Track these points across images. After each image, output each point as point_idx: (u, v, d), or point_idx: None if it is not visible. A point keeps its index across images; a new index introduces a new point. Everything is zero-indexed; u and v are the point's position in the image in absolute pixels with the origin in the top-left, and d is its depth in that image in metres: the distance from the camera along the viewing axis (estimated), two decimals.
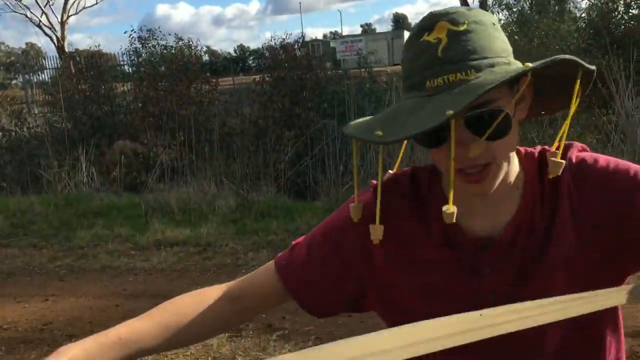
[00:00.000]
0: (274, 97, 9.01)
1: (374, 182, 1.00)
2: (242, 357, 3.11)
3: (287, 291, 1.02)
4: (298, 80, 9.15)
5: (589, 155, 0.94)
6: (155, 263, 5.20)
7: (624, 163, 0.92)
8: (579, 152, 0.95)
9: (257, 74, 10.54)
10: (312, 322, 3.62)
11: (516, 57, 0.87)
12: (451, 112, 0.75)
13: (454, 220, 0.84)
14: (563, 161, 0.88)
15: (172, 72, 9.84)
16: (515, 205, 0.93)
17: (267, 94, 9.13)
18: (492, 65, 0.81)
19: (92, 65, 10.90)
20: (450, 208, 0.84)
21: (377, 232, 0.92)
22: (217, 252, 5.41)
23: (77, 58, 12.08)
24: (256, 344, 3.27)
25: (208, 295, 1.03)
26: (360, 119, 0.91)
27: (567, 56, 0.83)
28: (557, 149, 0.90)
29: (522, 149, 0.97)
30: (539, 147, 0.98)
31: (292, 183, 7.75)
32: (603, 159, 0.93)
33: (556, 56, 0.82)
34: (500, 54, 0.84)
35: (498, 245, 0.92)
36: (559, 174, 0.87)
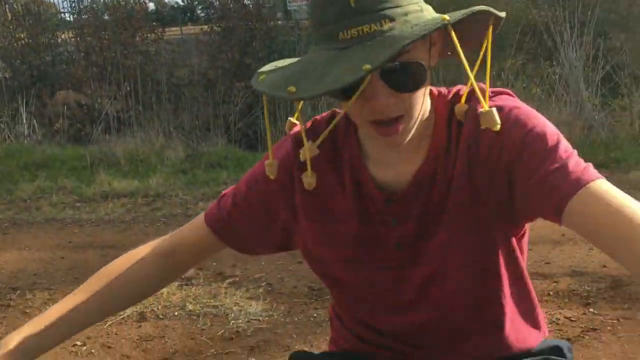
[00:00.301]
0: (223, 47, 8.81)
1: (293, 131, 1.01)
2: (192, 304, 3.10)
3: (217, 239, 1.05)
4: (248, 30, 8.95)
5: (500, 105, 0.89)
6: (102, 215, 5.10)
7: (529, 118, 0.88)
8: (496, 97, 0.92)
9: (206, 24, 10.23)
10: (263, 269, 3.64)
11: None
12: (369, 66, 0.74)
13: (313, 186, 0.90)
14: (494, 110, 0.82)
15: (116, 20, 9.46)
16: (422, 156, 0.93)
17: (216, 45, 8.92)
18: (405, 14, 0.80)
19: (29, 12, 10.37)
20: (309, 174, 0.89)
21: (271, 168, 0.93)
22: (167, 202, 5.33)
23: (15, 6, 11.46)
24: (207, 292, 3.27)
25: (141, 257, 1.06)
26: (267, 68, 0.88)
27: (483, 7, 0.82)
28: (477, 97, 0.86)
29: (435, 90, 0.96)
30: (455, 89, 0.96)
31: (243, 134, 7.68)
32: (511, 110, 0.88)
33: (472, 8, 0.81)
34: (412, 1, 0.82)
35: (402, 199, 0.94)
36: (489, 126, 0.83)
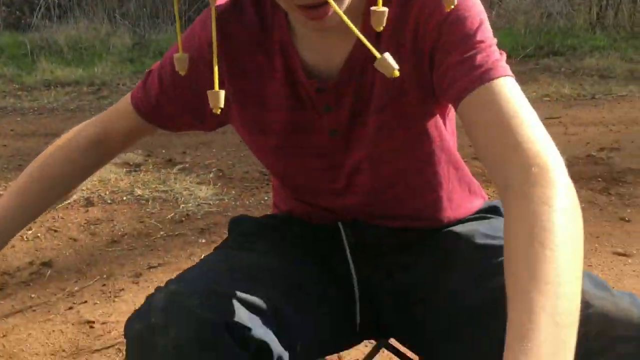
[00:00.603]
0: None
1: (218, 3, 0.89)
2: (141, 189, 3.05)
3: (148, 124, 0.99)
4: None
5: None
6: (44, 103, 4.89)
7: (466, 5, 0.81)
8: None
9: None
10: (214, 155, 3.59)
11: None
12: None
13: (183, 71, 0.74)
14: (385, 9, 0.69)
15: None
16: (353, 39, 0.85)
17: None
18: None
19: None
20: (180, 55, 0.75)
21: (216, 99, 0.74)
22: (113, 91, 5.14)
23: None
24: (156, 178, 3.21)
25: (74, 148, 0.99)
26: None
27: None
28: None
29: None
30: None
31: (192, 21, 7.34)
32: None
33: None
34: None
35: (334, 87, 0.87)
36: (382, 27, 0.71)
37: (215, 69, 0.71)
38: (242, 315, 0.76)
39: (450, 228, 0.99)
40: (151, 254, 2.41)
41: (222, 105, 0.73)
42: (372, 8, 0.65)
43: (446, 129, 0.95)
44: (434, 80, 0.83)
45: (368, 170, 0.93)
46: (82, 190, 3.07)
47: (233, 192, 3.01)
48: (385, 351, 1.57)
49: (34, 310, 2.03)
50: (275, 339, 0.80)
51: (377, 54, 0.64)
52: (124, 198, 2.96)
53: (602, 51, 5.67)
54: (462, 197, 1.02)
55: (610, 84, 4.80)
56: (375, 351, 1.45)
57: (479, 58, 0.78)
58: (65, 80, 5.43)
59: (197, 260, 2.30)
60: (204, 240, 2.49)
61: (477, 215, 1.03)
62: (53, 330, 1.90)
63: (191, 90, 0.93)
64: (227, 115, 0.95)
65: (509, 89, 0.76)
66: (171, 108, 0.96)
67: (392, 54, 0.79)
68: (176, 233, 2.58)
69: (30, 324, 1.94)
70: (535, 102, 4.45)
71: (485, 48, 0.79)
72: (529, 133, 0.71)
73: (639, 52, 5.75)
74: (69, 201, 2.89)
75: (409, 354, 1.37)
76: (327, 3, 0.74)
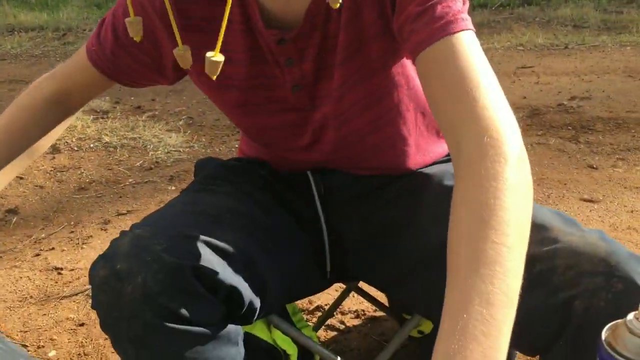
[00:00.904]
0: None
1: None
2: (108, 137, 2.99)
3: (108, 79, 0.94)
4: None
5: None
6: (8, 48, 4.72)
7: None
8: None
9: None
10: (184, 103, 3.53)
11: None
12: None
13: (138, 36, 0.74)
14: None
15: None
16: None
17: None
18: None
19: None
20: (132, 19, 0.73)
21: (134, 27, 0.75)
22: (80, 37, 4.98)
23: None
24: (124, 125, 3.15)
25: (35, 110, 0.97)
26: None
27: None
28: None
29: None
30: None
31: None
32: None
33: None
34: None
35: (295, 38, 0.82)
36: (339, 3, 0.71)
37: (174, 25, 0.70)
38: (211, 259, 0.75)
39: (420, 170, 0.98)
40: (120, 201, 2.37)
41: (191, 62, 0.71)
42: None
43: (411, 68, 0.91)
44: (395, 27, 0.79)
45: (334, 126, 0.90)
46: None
47: (203, 139, 2.97)
48: (355, 295, 1.58)
49: (0, 257, 2.00)
50: (246, 284, 0.79)
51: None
52: (92, 145, 2.90)
53: (577, 1, 5.65)
54: (430, 143, 1.00)
55: (583, 34, 4.80)
56: (345, 294, 1.46)
57: (439, 8, 0.73)
58: (29, 25, 5.24)
59: None
60: (173, 188, 2.46)
61: (447, 157, 1.02)
62: (20, 277, 1.88)
63: (148, 41, 0.88)
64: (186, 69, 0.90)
65: (467, 46, 0.71)
66: (128, 60, 0.91)
67: (357, 1, 0.76)
68: (145, 180, 2.55)
69: None
70: (508, 51, 4.45)
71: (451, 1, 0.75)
72: (484, 97, 0.67)
73: (613, 2, 5.74)
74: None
75: (379, 297, 1.39)
76: None
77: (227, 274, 0.76)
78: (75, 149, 2.85)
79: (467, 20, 0.74)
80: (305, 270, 0.96)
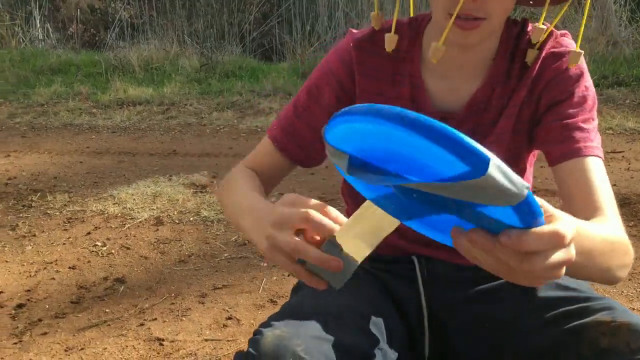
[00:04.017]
0: None
1: (354, 31, 1.05)
2: (207, 211, 3.20)
3: (293, 163, 1.10)
4: None
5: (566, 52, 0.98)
6: (118, 121, 5.15)
7: (583, 74, 0.99)
8: (560, 38, 1.00)
9: None
10: None
11: None
12: None
13: (435, 61, 0.91)
14: (581, 52, 0.95)
15: None
16: (480, 79, 0.98)
17: None
18: None
19: None
20: (440, 45, 0.91)
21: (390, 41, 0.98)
22: (181, 111, 5.37)
23: None
24: None
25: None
26: None
27: None
28: (568, 36, 1.00)
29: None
30: (524, 24, 1.02)
31: (258, 44, 7.57)
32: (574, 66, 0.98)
33: None
34: None
35: (455, 120, 0.98)
36: (577, 64, 0.96)
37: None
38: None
39: None
40: (216, 275, 2.53)
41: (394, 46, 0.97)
42: (572, 51, 0.95)
43: (530, 162, 1.07)
44: (539, 128, 0.98)
45: None
46: (152, 209, 3.25)
47: None
48: None
49: (108, 325, 2.18)
50: None
51: (578, 47, 0.94)
52: (191, 219, 3.12)
53: None
54: None
55: None
56: None
57: (591, 133, 0.95)
58: (137, 99, 5.71)
59: (259, 284, 2.42)
60: (265, 264, 2.60)
61: None
62: (126, 346, 2.04)
63: (321, 111, 1.05)
64: None
65: (601, 168, 0.94)
66: (306, 131, 1.07)
67: (521, 100, 0.98)
68: (239, 256, 2.71)
69: (105, 339, 2.09)
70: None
71: (593, 128, 0.96)
72: (609, 212, 0.90)
73: None
74: (140, 219, 3.07)
75: None
76: (479, 19, 0.88)
77: None
78: (177, 222, 3.07)
79: (601, 150, 0.97)
80: (403, 358, 1.01)
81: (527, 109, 0.98)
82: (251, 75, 6.27)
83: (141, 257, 2.72)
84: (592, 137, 0.95)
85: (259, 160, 1.10)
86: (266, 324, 0.89)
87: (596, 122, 0.98)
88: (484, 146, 0.93)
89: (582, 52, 0.94)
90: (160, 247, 2.81)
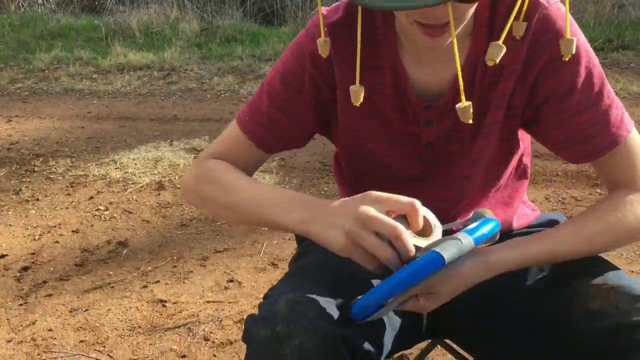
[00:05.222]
0: None
1: (324, 12, 0.96)
2: None
3: (266, 152, 1.04)
4: None
5: (557, 22, 0.87)
6: (119, 87, 5.14)
7: (583, 53, 0.88)
8: (551, 7, 0.87)
9: None
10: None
11: None
12: None
13: (357, 104, 0.87)
14: (573, 39, 0.80)
15: None
16: (460, 60, 0.90)
17: None
18: None
19: None
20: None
21: (323, 46, 0.87)
22: (182, 76, 5.34)
23: None
24: None
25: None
26: None
27: None
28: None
29: None
30: None
31: (259, 8, 7.48)
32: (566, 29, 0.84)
33: None
34: None
35: (440, 106, 0.94)
36: (496, 61, 0.79)
37: (358, 63, 0.86)
38: (352, 326, 0.83)
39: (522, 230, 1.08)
40: (217, 238, 2.56)
41: (360, 100, 0.87)
42: (492, 42, 0.77)
43: (528, 144, 1.05)
44: (545, 120, 0.92)
45: (462, 182, 1.00)
46: (154, 174, 3.26)
47: (295, 181, 3.14)
48: (438, 347, 1.64)
49: (112, 287, 2.22)
50: (371, 349, 0.87)
51: (464, 102, 0.75)
52: None
53: None
54: (522, 207, 1.11)
55: None
56: (430, 347, 1.53)
57: (611, 117, 0.90)
58: (137, 64, 5.67)
59: (259, 247, 2.45)
60: (265, 229, 2.62)
61: (539, 227, 1.09)
62: (130, 307, 2.08)
63: (301, 97, 0.98)
64: (328, 126, 1.03)
65: (637, 142, 0.92)
66: (286, 123, 1.00)
67: (511, 88, 0.91)
68: None
69: (109, 300, 2.13)
70: None
71: (613, 104, 0.90)
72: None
73: None
74: (141, 184, 3.09)
75: (463, 352, 1.45)
76: (447, 24, 0.79)
77: (361, 340, 0.85)
78: (178, 186, 3.09)
79: (630, 121, 0.93)
80: (409, 330, 1.02)
81: (519, 94, 0.92)
82: (252, 40, 6.21)
83: (143, 221, 2.74)
84: (612, 118, 0.89)
85: (233, 154, 1.04)
86: (277, 289, 0.89)
87: (609, 91, 0.90)
88: (470, 130, 0.94)
89: (574, 39, 0.81)
90: (162, 212, 2.83)
